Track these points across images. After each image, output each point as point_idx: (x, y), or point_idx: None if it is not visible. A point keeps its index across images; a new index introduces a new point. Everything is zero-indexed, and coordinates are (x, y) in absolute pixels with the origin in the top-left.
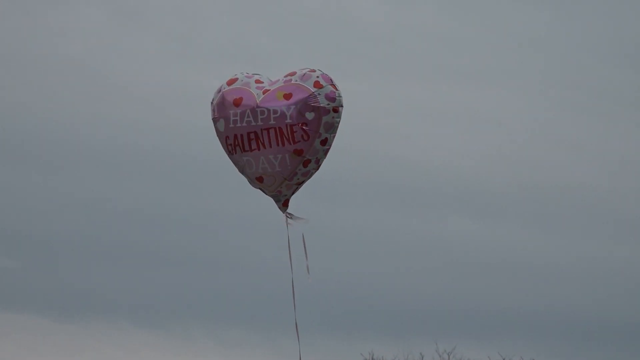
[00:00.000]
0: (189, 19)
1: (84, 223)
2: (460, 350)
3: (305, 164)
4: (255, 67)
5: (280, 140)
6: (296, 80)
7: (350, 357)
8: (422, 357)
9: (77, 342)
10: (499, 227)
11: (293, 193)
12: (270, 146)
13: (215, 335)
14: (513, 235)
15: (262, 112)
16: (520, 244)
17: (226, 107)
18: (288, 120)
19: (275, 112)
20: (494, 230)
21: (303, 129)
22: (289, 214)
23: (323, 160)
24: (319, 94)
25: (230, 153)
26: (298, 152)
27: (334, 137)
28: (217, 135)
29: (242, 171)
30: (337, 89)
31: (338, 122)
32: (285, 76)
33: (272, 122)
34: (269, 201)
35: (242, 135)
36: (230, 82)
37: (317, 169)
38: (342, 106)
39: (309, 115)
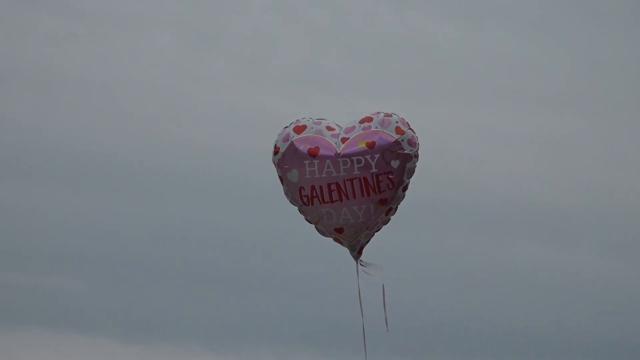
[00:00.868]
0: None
1: (159, 246)
2: None
3: (387, 212)
4: (327, 91)
5: (365, 190)
6: (376, 127)
7: None
8: None
9: None
10: (575, 253)
11: (368, 241)
12: (355, 197)
13: None
14: (590, 262)
15: (345, 162)
16: (596, 271)
17: (299, 157)
18: (373, 170)
19: (359, 161)
20: (571, 256)
21: (389, 178)
22: (362, 261)
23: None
24: (402, 141)
25: (305, 204)
26: (382, 202)
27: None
28: (285, 184)
29: (316, 222)
30: (414, 133)
31: (415, 167)
32: (361, 122)
33: (356, 172)
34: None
35: (321, 187)
36: (299, 130)
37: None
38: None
39: (394, 164)
